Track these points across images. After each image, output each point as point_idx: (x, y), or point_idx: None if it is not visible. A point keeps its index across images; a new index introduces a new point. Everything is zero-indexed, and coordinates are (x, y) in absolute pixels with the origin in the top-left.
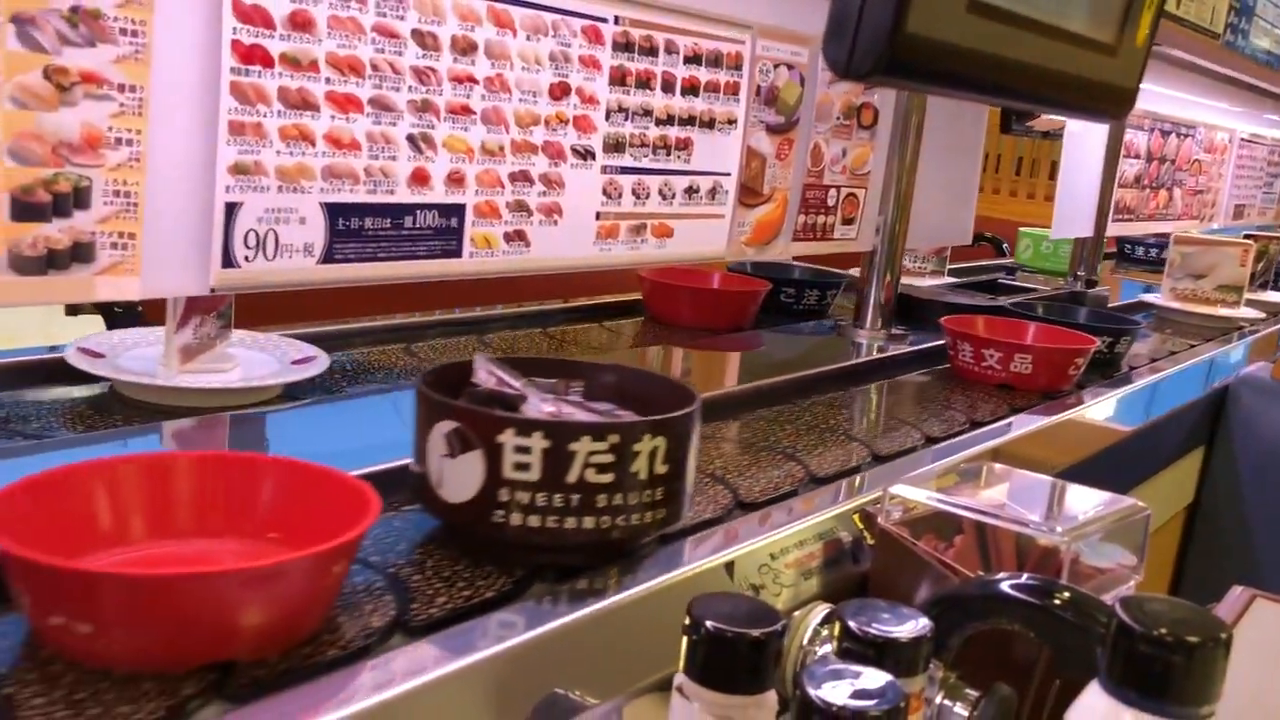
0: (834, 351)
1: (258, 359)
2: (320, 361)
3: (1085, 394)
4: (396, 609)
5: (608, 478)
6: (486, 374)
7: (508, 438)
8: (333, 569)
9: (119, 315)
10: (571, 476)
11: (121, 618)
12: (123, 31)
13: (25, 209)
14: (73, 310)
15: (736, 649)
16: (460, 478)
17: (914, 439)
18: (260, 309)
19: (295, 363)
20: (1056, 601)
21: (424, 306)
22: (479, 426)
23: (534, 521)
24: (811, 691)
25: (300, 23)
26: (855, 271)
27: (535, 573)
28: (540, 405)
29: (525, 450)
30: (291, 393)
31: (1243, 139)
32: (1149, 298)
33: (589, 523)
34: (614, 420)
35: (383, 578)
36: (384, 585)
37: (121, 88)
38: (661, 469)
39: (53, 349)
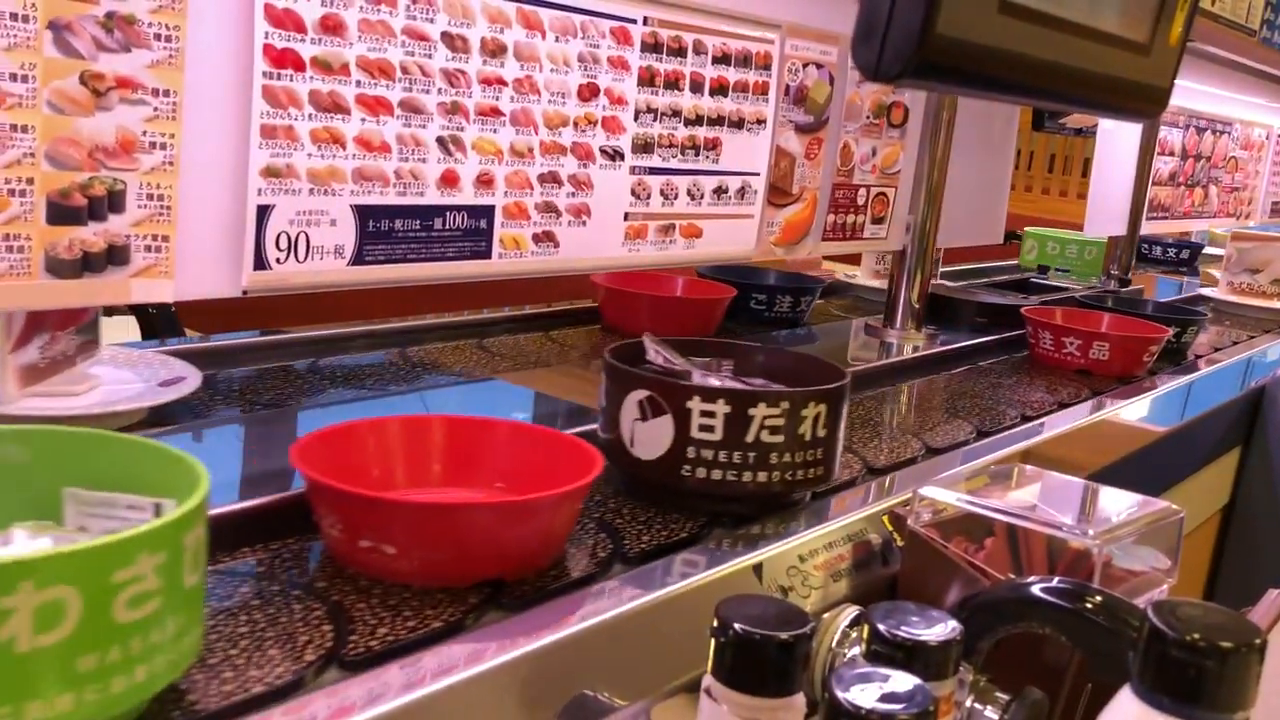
0: (839, 355)
1: (123, 379)
2: (190, 382)
3: (1128, 390)
4: (613, 544)
5: (779, 438)
6: (655, 352)
7: (695, 404)
8: (575, 506)
9: (153, 316)
10: (749, 436)
11: (421, 540)
12: (157, 37)
13: (61, 212)
14: (108, 311)
15: (765, 651)
16: (651, 438)
17: (1011, 416)
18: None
19: (163, 384)
20: (1088, 605)
21: (454, 307)
22: (669, 394)
23: (716, 475)
24: (840, 694)
25: (331, 26)
26: (846, 274)
27: (714, 520)
28: (705, 380)
29: (710, 414)
30: (158, 417)
31: None
32: (1206, 291)
33: (761, 477)
34: (786, 389)
35: (594, 522)
36: (596, 526)
37: (156, 92)
38: (821, 432)
39: None
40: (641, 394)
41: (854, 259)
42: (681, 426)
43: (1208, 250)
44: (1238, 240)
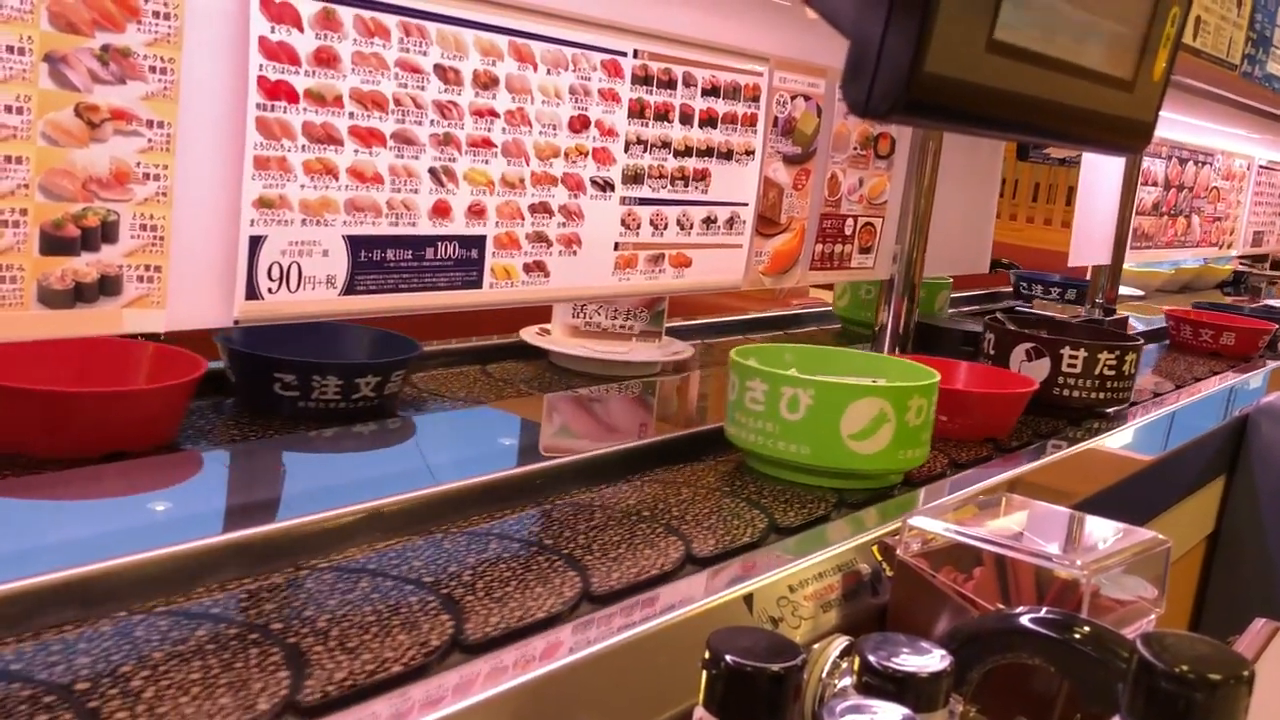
0: None
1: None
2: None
3: (1103, 424)
4: (1034, 430)
5: (1112, 372)
6: (995, 321)
7: (1065, 351)
8: (1022, 406)
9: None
10: (1096, 371)
11: (960, 412)
12: (152, 69)
13: (54, 243)
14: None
15: (756, 683)
16: (1035, 371)
17: (1191, 380)
18: None
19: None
20: (1077, 636)
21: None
22: (1049, 345)
23: (1076, 394)
24: None
25: (325, 59)
26: (539, 330)
27: (1071, 421)
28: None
29: (1075, 358)
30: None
31: (1261, 166)
32: (1271, 301)
33: (1101, 395)
34: (1116, 342)
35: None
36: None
37: (150, 124)
38: (1132, 370)
39: None
40: (1029, 345)
41: (546, 313)
42: (1055, 364)
43: None
44: None
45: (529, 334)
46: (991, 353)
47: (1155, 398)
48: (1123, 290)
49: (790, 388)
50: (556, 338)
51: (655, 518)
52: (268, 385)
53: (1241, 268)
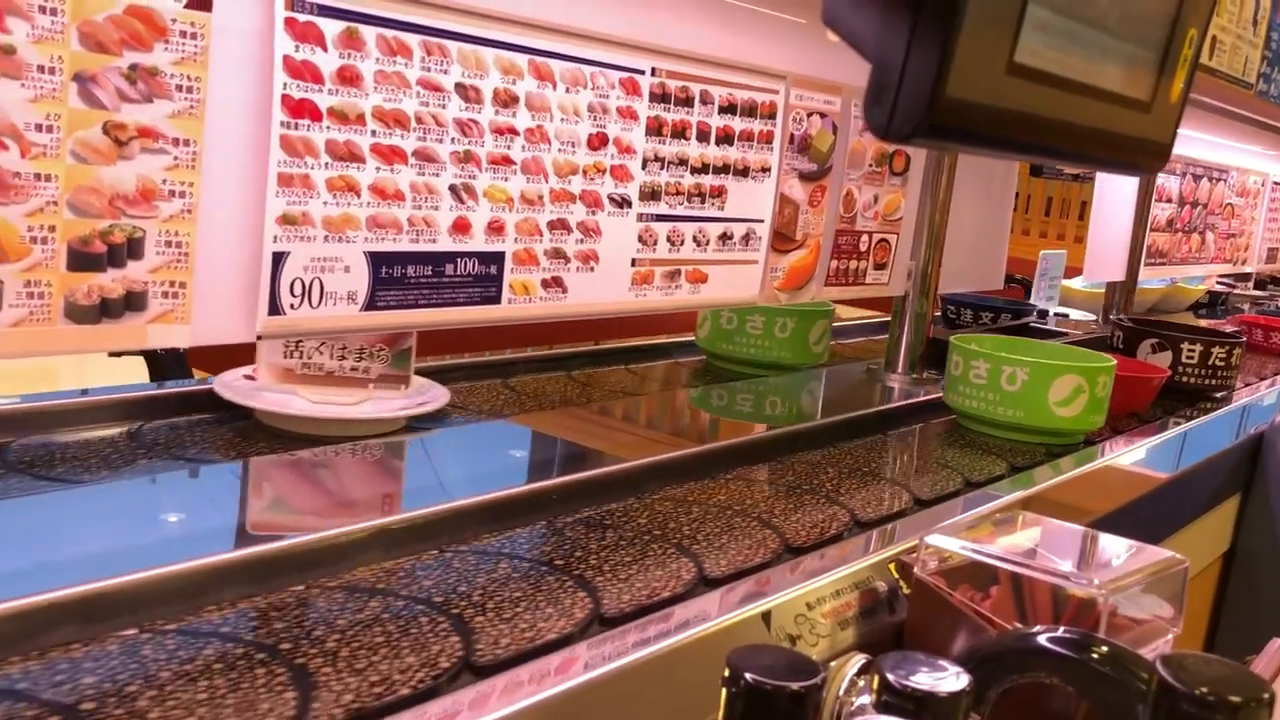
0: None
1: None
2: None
3: (1211, 404)
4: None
5: (1222, 363)
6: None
7: (1185, 345)
8: (1155, 390)
9: (161, 357)
10: (1210, 361)
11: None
12: (178, 88)
13: (82, 259)
14: (117, 352)
15: (776, 702)
16: (1160, 361)
17: (1270, 373)
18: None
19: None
20: (1095, 656)
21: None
22: (1170, 341)
23: (1192, 380)
24: None
25: (348, 78)
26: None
27: (1185, 400)
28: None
29: (1192, 351)
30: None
31: (1275, 182)
32: None
33: (1212, 381)
34: (1223, 340)
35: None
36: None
37: (176, 142)
38: (1237, 362)
39: None
40: (1153, 340)
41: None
42: (1176, 355)
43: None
44: None
45: (227, 382)
46: (1120, 346)
47: (1246, 386)
48: (1075, 315)
49: (1009, 366)
50: (260, 385)
51: (926, 456)
52: None
53: (1220, 288)
